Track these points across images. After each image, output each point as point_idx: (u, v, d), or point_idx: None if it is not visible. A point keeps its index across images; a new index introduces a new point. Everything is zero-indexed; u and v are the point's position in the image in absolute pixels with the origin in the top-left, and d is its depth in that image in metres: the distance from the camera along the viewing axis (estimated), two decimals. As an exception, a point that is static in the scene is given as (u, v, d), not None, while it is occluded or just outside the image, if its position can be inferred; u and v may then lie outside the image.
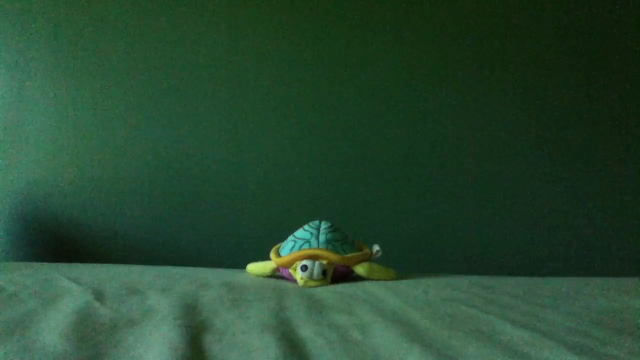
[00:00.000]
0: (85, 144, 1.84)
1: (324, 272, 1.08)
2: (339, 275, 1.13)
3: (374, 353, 0.59)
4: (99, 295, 0.87)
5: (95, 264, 1.42)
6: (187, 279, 1.08)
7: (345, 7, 1.84)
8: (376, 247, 1.20)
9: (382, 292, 0.97)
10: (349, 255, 1.14)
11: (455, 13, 1.84)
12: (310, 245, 1.14)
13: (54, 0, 1.85)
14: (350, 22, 1.84)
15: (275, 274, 1.19)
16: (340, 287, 1.03)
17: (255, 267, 1.21)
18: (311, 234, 1.17)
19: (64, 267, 1.29)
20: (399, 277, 1.16)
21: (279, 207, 1.81)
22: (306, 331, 0.67)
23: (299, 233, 1.20)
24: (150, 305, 0.81)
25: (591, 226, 1.80)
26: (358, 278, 1.15)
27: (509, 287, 1.06)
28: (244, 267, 1.27)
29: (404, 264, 1.47)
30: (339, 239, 1.17)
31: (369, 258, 1.18)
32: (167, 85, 1.84)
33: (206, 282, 1.05)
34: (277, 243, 1.27)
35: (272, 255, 1.19)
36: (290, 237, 1.21)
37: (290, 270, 1.13)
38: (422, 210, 1.81)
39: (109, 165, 1.83)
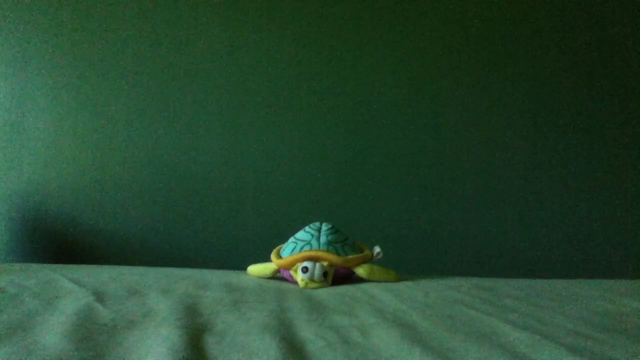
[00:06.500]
0: (85, 144, 1.84)
1: (324, 274, 1.08)
2: (340, 276, 1.13)
3: (375, 355, 0.59)
4: (99, 297, 0.87)
5: (95, 265, 1.43)
6: (187, 280, 1.09)
7: (345, 8, 1.84)
8: (377, 249, 1.20)
9: (383, 293, 0.97)
10: (350, 256, 1.14)
11: (456, 13, 1.84)
12: (311, 246, 1.14)
13: (55, 0, 1.85)
14: (350, 22, 1.85)
15: (276, 276, 1.19)
16: (340, 289, 1.03)
17: (256, 269, 1.21)
18: (312, 235, 1.17)
19: (64, 268, 1.29)
20: (399, 279, 1.16)
21: (279, 208, 1.81)
22: (307, 333, 0.67)
23: (300, 234, 1.20)
24: (150, 306, 0.81)
25: (591, 227, 1.80)
26: (359, 280, 1.15)
27: (509, 289, 1.06)
28: (244, 268, 1.27)
29: (404, 265, 1.47)
30: (339, 241, 1.17)
31: (369, 260, 1.18)
32: (167, 86, 1.84)
33: (207, 283, 1.05)
34: (278, 244, 1.27)
35: (272, 256, 1.19)
36: (291, 239, 1.21)
37: (291, 272, 1.13)
38: (423, 212, 1.81)
39: (109, 166, 1.83)
